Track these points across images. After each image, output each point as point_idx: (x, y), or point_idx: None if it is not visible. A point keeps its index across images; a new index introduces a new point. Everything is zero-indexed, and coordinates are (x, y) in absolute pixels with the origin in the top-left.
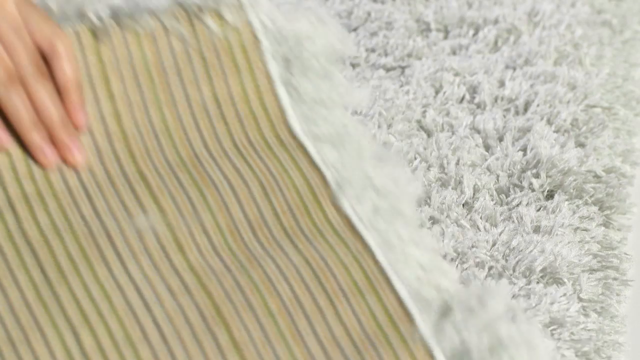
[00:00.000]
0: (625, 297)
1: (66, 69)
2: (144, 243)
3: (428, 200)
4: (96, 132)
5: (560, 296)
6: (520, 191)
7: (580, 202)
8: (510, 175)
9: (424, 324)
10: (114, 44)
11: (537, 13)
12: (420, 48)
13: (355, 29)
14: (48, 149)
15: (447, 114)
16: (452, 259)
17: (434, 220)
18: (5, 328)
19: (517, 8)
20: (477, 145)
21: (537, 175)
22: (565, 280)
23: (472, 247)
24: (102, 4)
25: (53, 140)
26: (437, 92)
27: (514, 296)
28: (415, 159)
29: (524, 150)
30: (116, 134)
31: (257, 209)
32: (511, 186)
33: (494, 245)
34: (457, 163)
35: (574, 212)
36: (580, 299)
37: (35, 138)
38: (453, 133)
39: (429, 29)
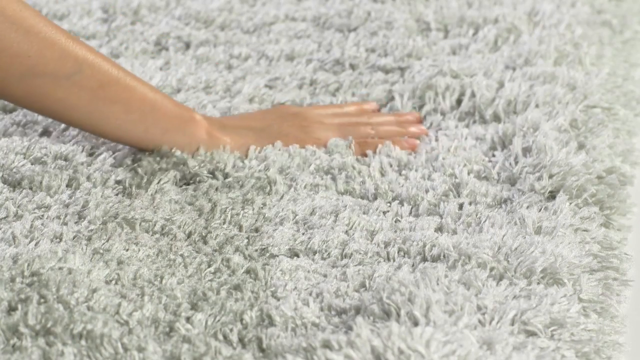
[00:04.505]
0: (625, 297)
1: None
2: None
3: (430, 202)
4: None
5: (561, 297)
6: (521, 192)
7: (581, 202)
8: (510, 176)
9: None
10: None
11: (537, 13)
12: (420, 48)
13: (355, 29)
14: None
15: (447, 114)
16: (454, 260)
17: (436, 222)
18: None
19: (517, 8)
20: (477, 145)
21: (538, 176)
22: (566, 281)
23: (475, 247)
24: None
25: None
26: (436, 93)
27: (514, 297)
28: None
29: (524, 150)
30: None
31: None
32: (512, 186)
33: (495, 245)
34: (458, 164)
35: (575, 213)
36: (580, 300)
37: None
38: (453, 133)
39: (429, 29)
